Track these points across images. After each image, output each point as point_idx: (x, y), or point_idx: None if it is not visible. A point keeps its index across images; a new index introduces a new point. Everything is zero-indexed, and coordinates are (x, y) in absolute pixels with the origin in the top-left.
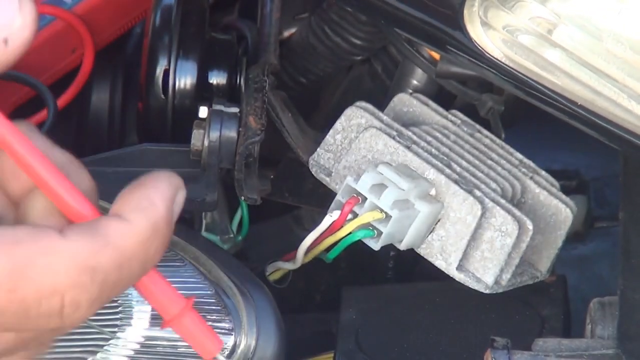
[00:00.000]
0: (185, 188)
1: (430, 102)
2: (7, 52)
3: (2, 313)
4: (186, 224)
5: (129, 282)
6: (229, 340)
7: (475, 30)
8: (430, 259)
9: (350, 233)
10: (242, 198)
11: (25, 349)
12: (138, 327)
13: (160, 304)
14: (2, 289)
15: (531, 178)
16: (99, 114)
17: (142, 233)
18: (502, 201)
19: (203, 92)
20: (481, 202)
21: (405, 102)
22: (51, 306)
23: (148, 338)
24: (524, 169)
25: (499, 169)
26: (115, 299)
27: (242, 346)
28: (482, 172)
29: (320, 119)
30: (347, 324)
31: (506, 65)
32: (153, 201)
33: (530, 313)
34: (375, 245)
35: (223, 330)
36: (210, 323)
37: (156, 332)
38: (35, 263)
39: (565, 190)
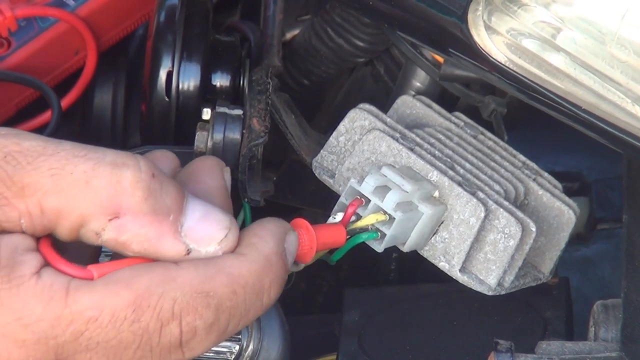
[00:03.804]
0: (296, 232)
1: (433, 104)
2: (187, 257)
3: (127, 347)
4: None
5: (246, 314)
6: (236, 345)
7: (480, 35)
8: (433, 261)
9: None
10: (245, 200)
11: None
12: None
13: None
14: (127, 321)
15: (534, 180)
16: (102, 115)
17: (254, 263)
18: (505, 203)
19: (206, 94)
20: (484, 204)
21: (408, 104)
22: (171, 334)
23: None
24: (526, 171)
25: (502, 170)
26: None
27: (248, 350)
28: (485, 174)
29: (323, 120)
30: (349, 326)
31: (510, 69)
32: (262, 237)
33: (533, 315)
34: (379, 247)
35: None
36: None
37: None
38: (153, 292)
39: (568, 192)
